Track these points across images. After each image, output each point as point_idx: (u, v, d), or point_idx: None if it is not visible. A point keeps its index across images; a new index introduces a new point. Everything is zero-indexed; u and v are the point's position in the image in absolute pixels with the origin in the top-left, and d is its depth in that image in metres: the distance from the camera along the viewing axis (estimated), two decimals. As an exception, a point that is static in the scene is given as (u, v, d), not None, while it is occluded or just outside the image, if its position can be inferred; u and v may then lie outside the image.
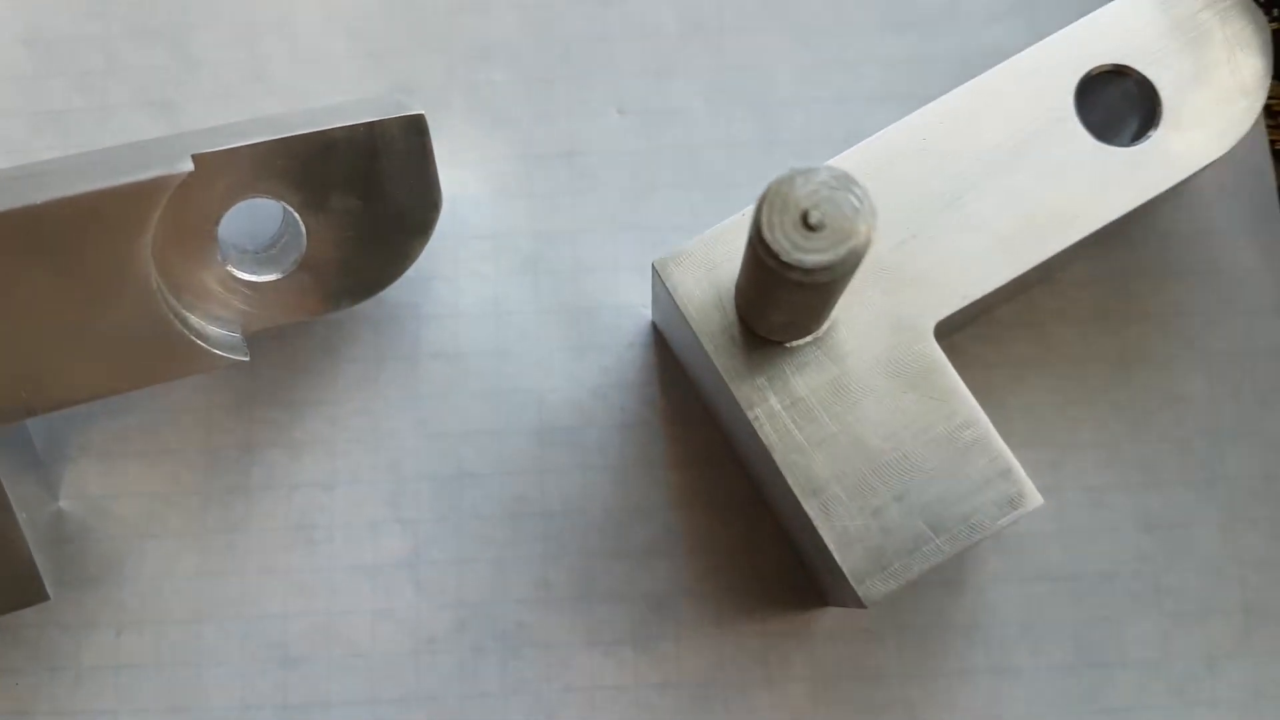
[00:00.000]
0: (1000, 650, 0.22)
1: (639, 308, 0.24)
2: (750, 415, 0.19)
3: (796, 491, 0.18)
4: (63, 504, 0.23)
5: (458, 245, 0.24)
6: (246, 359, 0.20)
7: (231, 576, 0.23)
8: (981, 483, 0.18)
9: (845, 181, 0.15)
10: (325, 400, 0.23)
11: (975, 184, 0.19)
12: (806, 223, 0.15)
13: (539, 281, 0.24)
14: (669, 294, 0.19)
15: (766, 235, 0.15)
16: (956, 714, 0.22)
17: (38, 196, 0.18)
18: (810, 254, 0.15)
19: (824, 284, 0.16)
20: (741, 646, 0.22)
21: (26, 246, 0.18)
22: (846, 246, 0.15)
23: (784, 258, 0.15)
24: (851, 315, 0.19)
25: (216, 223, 0.20)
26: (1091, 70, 0.20)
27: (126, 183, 0.18)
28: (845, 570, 0.18)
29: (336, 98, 0.24)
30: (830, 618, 0.22)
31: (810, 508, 0.18)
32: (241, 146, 0.19)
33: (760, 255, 0.15)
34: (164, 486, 0.23)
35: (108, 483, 0.23)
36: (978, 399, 0.19)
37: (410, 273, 0.22)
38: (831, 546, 0.18)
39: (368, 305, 0.23)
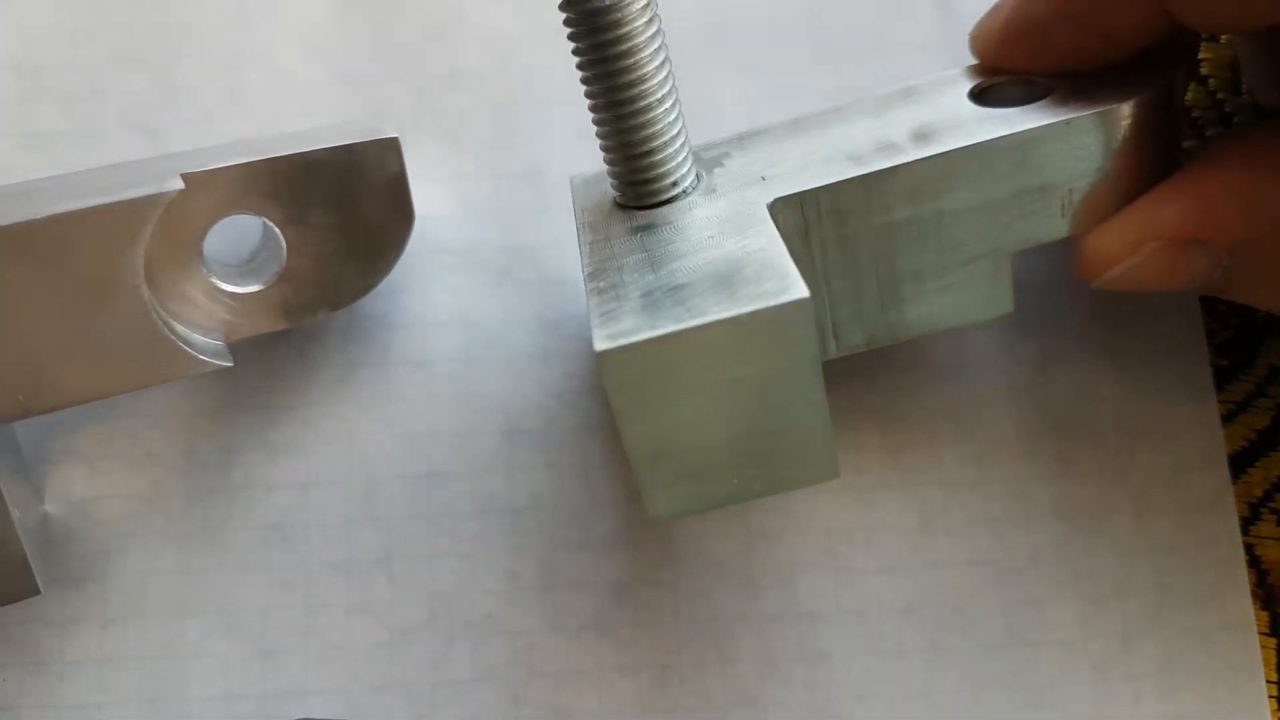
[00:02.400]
0: (934, 631, 0.24)
1: (599, 317, 0.25)
2: None
3: None
4: (48, 507, 0.24)
5: (427, 259, 0.25)
6: (230, 364, 0.22)
7: (212, 573, 0.24)
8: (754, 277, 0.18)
9: None
10: (301, 405, 0.25)
11: (855, 120, 0.22)
12: None
13: (506, 293, 0.25)
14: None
15: None
16: (895, 690, 0.24)
17: (38, 212, 0.19)
18: None
19: (599, 23, 0.19)
20: (696, 631, 0.24)
21: (26, 258, 0.19)
22: None
23: None
24: None
25: (202, 237, 0.21)
26: (995, 80, 0.22)
27: (121, 199, 0.19)
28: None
29: (312, 123, 0.26)
30: (777, 602, 0.24)
31: None
32: (229, 166, 0.21)
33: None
34: (146, 488, 0.24)
35: (92, 485, 0.24)
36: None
37: (382, 285, 0.24)
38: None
39: (342, 315, 0.24)
